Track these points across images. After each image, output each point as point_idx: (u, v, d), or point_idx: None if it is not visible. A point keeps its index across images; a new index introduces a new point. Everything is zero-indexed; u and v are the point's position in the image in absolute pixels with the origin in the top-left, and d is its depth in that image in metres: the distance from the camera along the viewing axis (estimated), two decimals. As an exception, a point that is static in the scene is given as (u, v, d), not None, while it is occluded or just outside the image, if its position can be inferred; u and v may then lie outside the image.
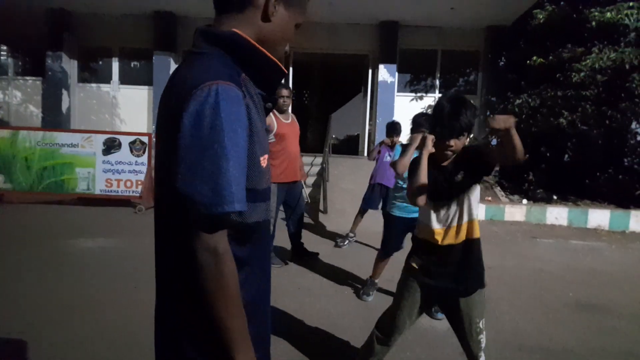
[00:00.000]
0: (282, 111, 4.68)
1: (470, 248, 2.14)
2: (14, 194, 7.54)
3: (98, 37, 10.66)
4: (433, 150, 2.17)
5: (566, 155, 9.69)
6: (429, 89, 10.86)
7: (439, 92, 10.80)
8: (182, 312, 1.02)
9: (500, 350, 3.09)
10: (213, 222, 0.91)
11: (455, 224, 2.12)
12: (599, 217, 7.56)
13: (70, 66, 10.78)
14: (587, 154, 9.17)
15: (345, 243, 5.75)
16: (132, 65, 11.13)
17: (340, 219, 7.04)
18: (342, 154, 11.71)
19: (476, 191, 2.14)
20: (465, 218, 2.11)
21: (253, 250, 1.06)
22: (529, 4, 8.63)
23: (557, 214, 7.64)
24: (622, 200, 7.88)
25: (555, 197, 8.19)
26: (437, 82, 10.82)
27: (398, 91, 10.62)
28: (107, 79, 10.98)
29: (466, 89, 10.93)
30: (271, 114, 4.58)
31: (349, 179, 8.45)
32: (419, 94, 10.77)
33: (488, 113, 10.16)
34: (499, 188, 8.67)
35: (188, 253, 0.92)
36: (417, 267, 2.21)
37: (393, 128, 5.48)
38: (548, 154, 9.43)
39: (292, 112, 11.77)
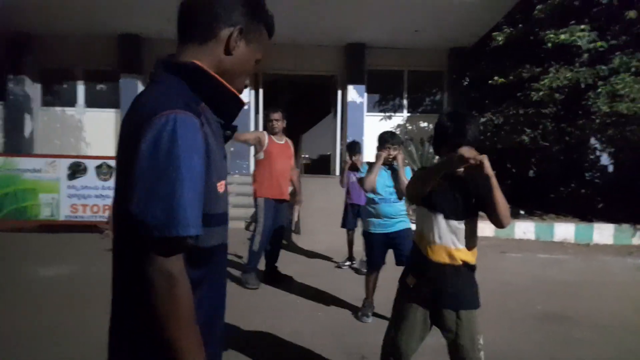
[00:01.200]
0: (273, 133, 4.87)
1: (467, 270, 2.10)
2: (-29, 223, 7.21)
3: (62, 59, 10.45)
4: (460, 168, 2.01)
5: (530, 171, 10.02)
6: (397, 109, 11.09)
7: (407, 112, 11.04)
8: (134, 334, 1.02)
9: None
10: (168, 246, 0.92)
11: (455, 245, 2.07)
12: (564, 230, 7.81)
13: (33, 89, 10.51)
14: (550, 169, 9.51)
15: (346, 264, 5.81)
16: (97, 87, 10.94)
17: (313, 237, 7.03)
18: (314, 173, 11.76)
19: (476, 220, 2.11)
20: (465, 243, 2.07)
21: (208, 273, 1.07)
22: (488, 26, 9.01)
23: (525, 229, 7.85)
24: (585, 213, 8.18)
25: (522, 212, 8.42)
26: (405, 101, 11.07)
27: (367, 111, 10.81)
28: (72, 102, 10.73)
29: (432, 108, 11.23)
30: (265, 133, 4.86)
31: (321, 198, 8.47)
32: (387, 114, 10.98)
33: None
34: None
35: (142, 276, 0.93)
36: (412, 285, 2.15)
37: (353, 148, 5.72)
38: (513, 170, 9.73)
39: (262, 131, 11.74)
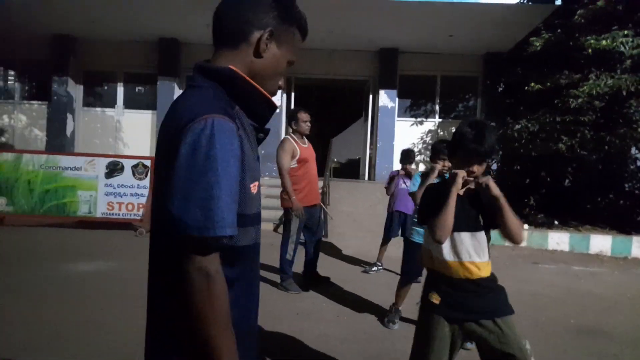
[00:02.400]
0: (305, 134, 4.86)
1: (489, 285, 2.08)
2: (15, 217, 7.57)
3: (103, 62, 10.88)
4: (460, 189, 2.03)
5: (566, 180, 9.71)
6: (429, 114, 10.97)
7: (439, 117, 10.91)
8: (171, 332, 1.05)
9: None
10: (205, 245, 0.95)
11: (471, 259, 2.04)
12: (601, 242, 7.53)
13: (76, 90, 10.97)
14: (587, 179, 9.20)
15: (373, 269, 5.79)
16: (136, 90, 11.32)
17: (341, 242, 7.04)
18: (343, 177, 11.76)
19: (486, 235, 2.10)
20: (482, 256, 2.05)
21: (242, 273, 1.10)
22: (526, 31, 8.81)
23: (559, 239, 7.62)
24: (623, 225, 7.87)
25: (556, 222, 8.17)
26: (437, 107, 10.94)
27: (398, 116, 10.74)
28: (111, 103, 11.15)
29: (465, 114, 11.04)
30: (291, 140, 4.75)
31: (349, 202, 8.47)
32: (419, 119, 10.88)
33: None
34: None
35: (180, 274, 0.96)
36: (437, 302, 2.09)
37: (407, 156, 5.57)
38: (548, 179, 9.45)
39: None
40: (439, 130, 10.77)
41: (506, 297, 2.10)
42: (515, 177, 9.45)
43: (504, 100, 10.15)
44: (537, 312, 4.46)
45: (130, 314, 3.81)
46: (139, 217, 7.50)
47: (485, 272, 2.07)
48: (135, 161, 7.67)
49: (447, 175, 3.57)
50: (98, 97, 11.31)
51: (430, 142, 10.60)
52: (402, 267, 4.05)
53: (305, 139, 4.96)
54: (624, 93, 7.40)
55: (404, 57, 10.50)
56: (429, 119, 10.90)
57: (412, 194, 3.75)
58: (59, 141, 10.60)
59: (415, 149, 10.70)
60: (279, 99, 10.54)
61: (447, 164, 3.57)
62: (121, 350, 3.06)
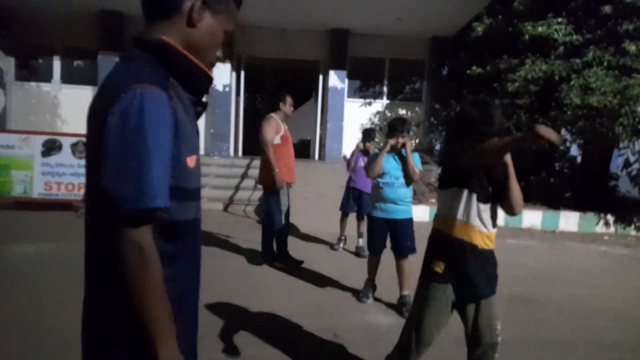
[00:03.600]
0: (287, 117, 4.97)
1: (492, 257, 2.19)
2: (-59, 198, 7.05)
3: (39, 34, 10.17)
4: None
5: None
6: (377, 95, 11.19)
7: (387, 99, 11.15)
8: (107, 309, 1.05)
9: (437, 343, 3.27)
10: (136, 218, 0.95)
11: (481, 228, 2.11)
12: (532, 217, 8.08)
13: (7, 63, 10.21)
14: (522, 159, 9.77)
15: (340, 245, 5.91)
16: (75, 64, 10.70)
17: (292, 220, 7.10)
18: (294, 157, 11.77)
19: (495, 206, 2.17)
20: (489, 228, 2.14)
21: (183, 248, 1.11)
22: (469, 16, 9.12)
23: (495, 215, 8.09)
24: (553, 202, 8.47)
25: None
26: (385, 88, 11.17)
27: (348, 97, 10.87)
28: (47, 78, 10.49)
29: (412, 96, 11.36)
30: (277, 118, 4.84)
31: (300, 182, 8.53)
32: (367, 100, 11.07)
33: (432, 119, 10.60)
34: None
35: (113, 248, 0.96)
36: (441, 271, 2.14)
37: (368, 134, 5.76)
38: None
39: (244, 114, 11.70)
40: (386, 112, 11.01)
41: (497, 275, 2.22)
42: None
43: (448, 83, 10.52)
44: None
45: (74, 296, 3.72)
46: (80, 198, 7.20)
47: (492, 243, 2.18)
48: (74, 139, 7.32)
49: (403, 150, 3.73)
50: (33, 71, 10.59)
51: (378, 122, 10.83)
52: (367, 242, 4.18)
53: (285, 123, 5.06)
54: (557, 78, 7.89)
55: (354, 39, 10.58)
56: (377, 100, 11.11)
57: (365, 167, 3.87)
58: (-11, 118, 9.90)
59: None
60: (227, 77, 10.34)
61: (402, 139, 3.73)
62: (68, 332, 3.00)
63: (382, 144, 3.96)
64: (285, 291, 4.22)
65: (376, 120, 10.93)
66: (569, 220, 8.08)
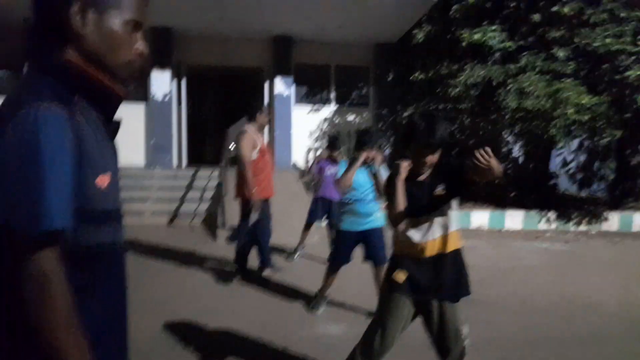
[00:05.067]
0: (261, 130, 4.81)
1: (456, 257, 2.24)
2: None
3: None
4: (404, 175, 2.22)
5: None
6: (325, 102, 11.19)
7: (335, 104, 11.18)
8: (16, 343, 0.93)
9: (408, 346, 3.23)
10: (36, 243, 0.86)
11: (438, 235, 2.19)
12: (480, 218, 8.34)
13: None
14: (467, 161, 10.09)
15: (297, 254, 5.76)
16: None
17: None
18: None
19: (454, 203, 2.25)
20: (449, 229, 2.20)
21: (96, 277, 1.00)
22: (410, 23, 9.32)
23: (443, 217, 8.27)
24: (499, 201, 8.79)
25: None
26: (332, 95, 11.20)
27: (295, 103, 10.79)
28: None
29: (359, 102, 11.46)
30: (252, 132, 4.63)
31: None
32: (315, 106, 11.04)
33: (379, 124, 10.74)
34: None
35: (15, 280, 0.87)
36: (401, 282, 2.21)
37: (334, 144, 5.66)
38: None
39: (187, 124, 11.30)
40: (334, 118, 11.04)
41: (467, 277, 2.28)
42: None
43: (393, 89, 10.70)
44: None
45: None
46: None
47: (455, 243, 2.23)
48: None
49: (371, 166, 3.65)
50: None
51: (326, 129, 10.83)
52: (330, 254, 4.04)
53: (262, 134, 4.90)
54: (494, 83, 8.21)
55: (298, 46, 10.53)
56: (325, 107, 11.12)
57: (337, 181, 3.76)
58: None
59: (313, 136, 10.87)
60: (167, 85, 9.96)
61: (371, 154, 3.64)
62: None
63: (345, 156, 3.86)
64: (234, 306, 4.04)
65: (325, 126, 10.92)
66: (514, 219, 8.40)
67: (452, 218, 2.22)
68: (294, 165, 10.48)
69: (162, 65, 9.79)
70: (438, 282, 2.19)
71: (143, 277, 4.58)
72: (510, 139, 10.11)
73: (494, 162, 1.93)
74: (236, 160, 4.68)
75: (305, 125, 10.77)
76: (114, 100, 1.07)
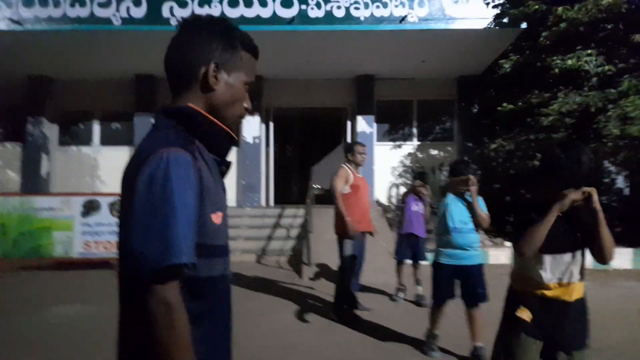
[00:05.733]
0: (359, 165, 4.94)
1: (583, 307, 2.08)
2: (-12, 262, 7.29)
3: (79, 101, 10.80)
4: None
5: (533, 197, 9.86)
6: (407, 138, 11.13)
7: (417, 140, 11.07)
8: None
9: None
10: (163, 275, 0.96)
11: (573, 279, 2.03)
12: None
13: (51, 130, 10.83)
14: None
15: (400, 295, 5.66)
16: (113, 127, 11.24)
17: (324, 269, 6.94)
18: (325, 204, 11.72)
19: (587, 251, 2.07)
20: (580, 276, 2.04)
21: (209, 306, 1.10)
22: (495, 55, 9.09)
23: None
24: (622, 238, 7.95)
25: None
26: (415, 130, 11.11)
27: (377, 140, 10.86)
28: (87, 141, 11.02)
29: (443, 136, 11.24)
30: (346, 168, 4.87)
31: (332, 230, 8.41)
32: (397, 143, 11.01)
33: (466, 158, 10.38)
34: (481, 231, 8.72)
35: (142, 307, 0.96)
36: (529, 320, 2.06)
37: (422, 177, 5.72)
38: (527, 196, 9.59)
39: (275, 165, 11.80)
40: (417, 153, 10.90)
41: (588, 325, 2.10)
42: (496, 196, 9.56)
43: (479, 122, 10.37)
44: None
45: (110, 357, 3.66)
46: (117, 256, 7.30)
47: (580, 293, 2.06)
48: (112, 198, 7.52)
49: (467, 194, 3.54)
50: (74, 136, 11.18)
51: (409, 164, 10.70)
52: (432, 290, 3.90)
53: (359, 171, 5.04)
54: (592, 109, 7.63)
55: (380, 84, 10.69)
56: (407, 143, 11.05)
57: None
58: (34, 182, 10.38)
59: (395, 172, 10.79)
60: (257, 129, 10.57)
61: (468, 181, 3.47)
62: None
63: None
64: (327, 346, 4.01)
65: (407, 162, 10.82)
66: (622, 257, 7.53)
67: (582, 265, 2.04)
68: (377, 202, 10.43)
69: (253, 111, 10.45)
70: (566, 329, 2.01)
71: (234, 312, 4.74)
72: (613, 168, 9.23)
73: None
74: (330, 196, 4.78)
75: (387, 162, 10.76)
76: (228, 143, 1.22)
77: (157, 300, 0.95)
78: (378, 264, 6.83)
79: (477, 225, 3.60)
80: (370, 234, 5.05)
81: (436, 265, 3.80)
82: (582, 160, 1.96)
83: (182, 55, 1.16)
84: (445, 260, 3.70)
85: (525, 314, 2.04)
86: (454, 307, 3.83)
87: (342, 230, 4.67)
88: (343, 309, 4.78)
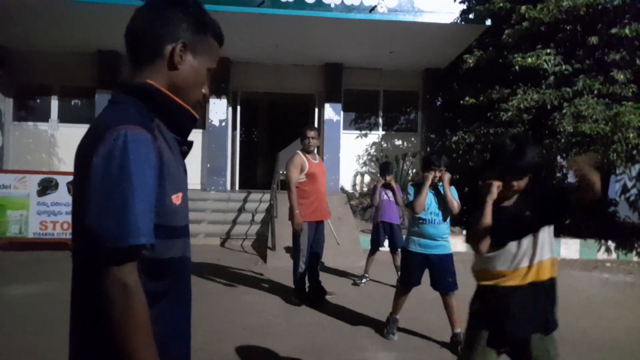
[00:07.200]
0: (309, 151, 4.84)
1: (545, 287, 2.08)
2: None
3: (37, 74, 10.32)
4: (495, 197, 2.06)
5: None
6: (373, 127, 11.30)
7: (383, 130, 11.26)
8: (92, 350, 1.03)
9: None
10: (120, 256, 0.94)
11: (524, 265, 2.04)
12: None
13: (5, 104, 10.32)
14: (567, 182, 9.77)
15: (363, 282, 5.78)
16: (72, 103, 10.82)
17: (289, 255, 7.03)
18: (290, 190, 11.76)
19: (547, 230, 2.09)
20: (536, 259, 2.05)
21: (168, 287, 1.09)
22: (460, 49, 9.33)
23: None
24: (554, 229, 8.40)
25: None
26: (380, 120, 11.29)
27: (344, 129, 10.97)
28: (45, 117, 10.58)
29: (407, 127, 11.48)
30: (301, 154, 4.77)
31: (297, 216, 8.50)
32: (363, 132, 11.17)
33: (427, 149, 10.67)
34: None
35: (99, 287, 0.94)
36: (484, 313, 2.10)
37: (386, 168, 5.79)
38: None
39: (240, 149, 11.70)
40: (382, 143, 11.10)
41: (555, 307, 2.14)
42: (456, 186, 9.88)
43: (442, 114, 10.65)
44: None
45: (63, 338, 3.62)
46: (77, 236, 7.12)
47: (547, 272, 2.08)
48: (70, 177, 7.28)
49: (439, 184, 3.71)
50: (31, 111, 10.68)
51: (374, 153, 10.89)
52: (400, 276, 4.03)
53: (317, 156, 5.04)
54: (549, 107, 7.99)
55: (348, 72, 10.77)
56: (372, 132, 11.22)
57: (409, 204, 3.81)
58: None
59: (360, 160, 10.96)
60: (224, 112, 10.46)
61: (438, 173, 3.72)
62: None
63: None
64: (287, 329, 4.12)
65: (372, 151, 11.00)
66: (569, 248, 8.02)
67: (542, 246, 2.06)
68: (342, 189, 10.58)
69: (220, 94, 10.32)
70: (524, 314, 2.03)
71: (194, 294, 4.77)
72: (565, 164, 9.72)
73: (593, 174, 1.80)
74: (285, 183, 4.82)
75: (353, 150, 10.91)
76: (189, 122, 1.20)
77: (113, 281, 0.93)
78: (341, 249, 7.00)
79: (447, 213, 3.75)
80: (322, 222, 5.00)
81: (405, 252, 3.95)
82: (525, 151, 2.00)
83: (149, 29, 1.13)
84: (415, 248, 3.83)
85: (481, 308, 2.11)
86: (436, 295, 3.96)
87: (292, 220, 4.73)
88: (304, 293, 4.88)
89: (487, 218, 2.04)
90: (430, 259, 3.78)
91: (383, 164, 5.94)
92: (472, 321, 2.18)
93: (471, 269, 2.26)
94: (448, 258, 3.82)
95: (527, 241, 2.06)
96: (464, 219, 8.92)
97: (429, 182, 3.69)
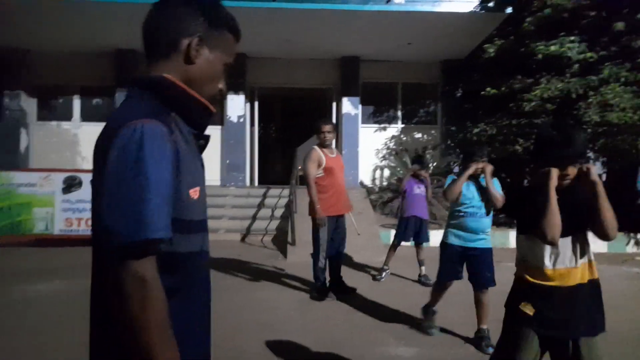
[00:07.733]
0: (325, 146, 4.81)
1: (593, 289, 2.00)
2: (-35, 238, 7.18)
3: (59, 75, 10.51)
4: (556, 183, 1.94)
5: (525, 181, 10.07)
6: (392, 120, 11.19)
7: (402, 123, 11.14)
8: (112, 344, 1.03)
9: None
10: (138, 250, 0.93)
11: (575, 264, 1.96)
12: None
13: (29, 104, 10.55)
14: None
15: (383, 276, 5.71)
16: (94, 102, 11.00)
17: (309, 250, 7.03)
18: (309, 185, 11.76)
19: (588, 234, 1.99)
20: (586, 258, 1.98)
21: (185, 281, 1.09)
22: (480, 39, 9.14)
23: (519, 237, 7.87)
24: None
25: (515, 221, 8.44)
26: (399, 113, 11.17)
27: (362, 123, 10.89)
28: (68, 117, 10.79)
29: (427, 119, 11.33)
30: (318, 149, 4.77)
31: (316, 210, 8.48)
32: (382, 125, 11.07)
33: (449, 141, 10.52)
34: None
35: (117, 282, 0.94)
36: (531, 314, 1.98)
37: (420, 161, 5.73)
38: (508, 180, 9.78)
39: (259, 145, 11.74)
40: (402, 136, 10.98)
41: (604, 315, 2.02)
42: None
43: (462, 105, 10.47)
44: (499, 311, 4.56)
45: (85, 332, 3.68)
46: (100, 233, 7.26)
47: (589, 275, 2.00)
48: (94, 175, 7.43)
49: (481, 176, 3.60)
50: (53, 111, 10.90)
51: (393, 147, 10.79)
52: (439, 269, 3.93)
53: (334, 150, 5.02)
54: (574, 96, 7.78)
55: (365, 65, 10.67)
56: (391, 125, 11.11)
57: (444, 192, 3.72)
58: (12, 157, 10.14)
59: (380, 154, 10.87)
60: (241, 108, 10.49)
61: (481, 164, 3.59)
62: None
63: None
64: (305, 324, 4.11)
65: (392, 145, 10.90)
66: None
67: (590, 244, 1.97)
68: (361, 184, 10.52)
69: (237, 89, 10.35)
70: (572, 316, 1.94)
71: (215, 289, 4.80)
72: (591, 155, 9.46)
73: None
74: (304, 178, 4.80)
75: (372, 144, 10.82)
76: (206, 116, 1.18)
77: (131, 275, 0.92)
78: (361, 243, 6.95)
79: (490, 206, 3.61)
80: (342, 216, 4.97)
81: (443, 245, 3.84)
82: (575, 139, 1.93)
83: (166, 23, 1.13)
84: (453, 240, 3.73)
85: (528, 308, 2.00)
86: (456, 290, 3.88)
87: (313, 215, 4.70)
88: (324, 288, 4.86)
89: (554, 204, 1.90)
90: (469, 252, 3.68)
91: (416, 156, 5.86)
92: (516, 320, 2.07)
93: (517, 262, 2.14)
94: (488, 252, 3.70)
95: (577, 239, 1.98)
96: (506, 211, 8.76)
97: (468, 172, 3.55)
